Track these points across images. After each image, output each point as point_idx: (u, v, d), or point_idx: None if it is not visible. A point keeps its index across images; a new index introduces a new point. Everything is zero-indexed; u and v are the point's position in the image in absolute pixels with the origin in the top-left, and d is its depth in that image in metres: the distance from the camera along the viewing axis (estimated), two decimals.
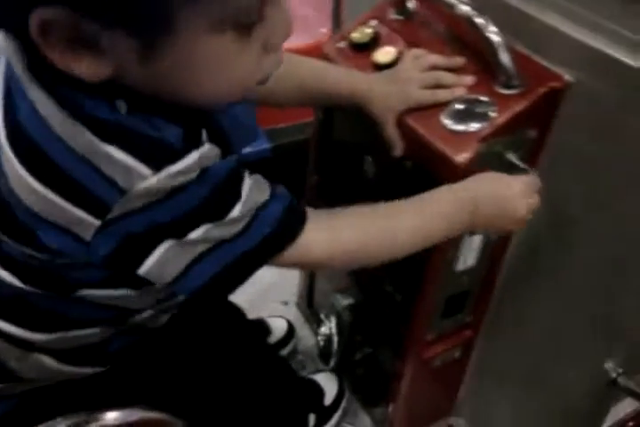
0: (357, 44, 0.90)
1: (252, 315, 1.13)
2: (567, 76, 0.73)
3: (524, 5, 0.75)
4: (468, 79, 0.78)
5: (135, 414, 0.67)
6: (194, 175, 0.55)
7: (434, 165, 0.76)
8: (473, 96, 0.77)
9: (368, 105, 0.81)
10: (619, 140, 0.70)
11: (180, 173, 0.54)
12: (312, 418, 1.14)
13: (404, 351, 0.99)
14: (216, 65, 0.53)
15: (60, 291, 0.65)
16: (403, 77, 0.80)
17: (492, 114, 0.74)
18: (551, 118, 0.76)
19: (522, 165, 0.75)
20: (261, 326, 1.30)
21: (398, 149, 0.81)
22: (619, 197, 0.73)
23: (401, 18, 0.91)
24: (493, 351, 1.03)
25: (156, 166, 0.53)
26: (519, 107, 0.73)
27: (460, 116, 0.76)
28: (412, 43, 0.86)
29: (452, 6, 0.76)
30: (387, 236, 0.69)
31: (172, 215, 0.55)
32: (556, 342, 0.89)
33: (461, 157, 0.73)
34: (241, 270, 0.61)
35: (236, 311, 1.07)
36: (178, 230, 0.57)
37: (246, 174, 0.61)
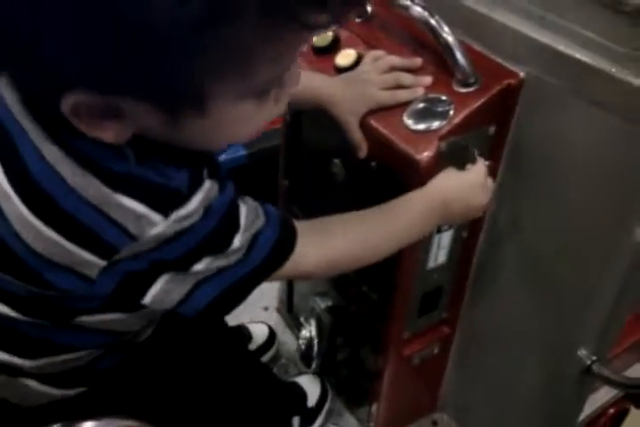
0: (319, 48, 0.91)
1: (232, 321, 1.14)
2: (522, 73, 0.75)
3: (475, 4, 0.77)
4: (427, 79, 0.79)
5: (113, 424, 0.67)
6: (198, 216, 0.56)
7: (397, 164, 0.78)
8: (433, 95, 0.78)
9: (331, 108, 0.82)
10: (570, 132, 0.72)
11: (186, 216, 0.55)
12: (296, 421, 1.15)
13: (383, 350, 1.00)
14: (235, 125, 0.55)
15: (56, 319, 0.65)
16: (363, 79, 0.81)
17: (452, 112, 0.76)
18: (509, 114, 0.78)
19: (482, 160, 0.76)
20: (242, 333, 1.30)
21: (363, 150, 0.82)
22: (571, 188, 0.76)
23: (360, 20, 0.93)
24: (471, 346, 1.04)
25: (166, 213, 0.54)
26: (476, 104, 0.75)
27: (421, 116, 0.77)
28: (371, 45, 0.87)
29: (406, 8, 0.77)
30: (369, 243, 0.73)
31: (176, 253, 0.57)
32: (530, 332, 0.90)
33: (423, 155, 0.74)
34: (241, 291, 0.64)
35: (217, 319, 1.07)
36: (180, 265, 0.58)
37: (241, 202, 0.62)
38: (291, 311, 1.32)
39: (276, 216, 0.65)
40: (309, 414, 1.17)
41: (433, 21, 0.75)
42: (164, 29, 0.41)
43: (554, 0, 0.70)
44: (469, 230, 0.89)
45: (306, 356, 1.17)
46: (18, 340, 0.67)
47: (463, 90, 0.77)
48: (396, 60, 0.82)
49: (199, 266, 0.59)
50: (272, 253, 0.64)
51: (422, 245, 0.85)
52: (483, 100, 0.75)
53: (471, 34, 0.78)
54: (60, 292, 0.59)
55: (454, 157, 0.76)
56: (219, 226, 0.59)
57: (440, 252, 0.89)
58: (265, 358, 1.30)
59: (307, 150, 1.04)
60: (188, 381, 0.87)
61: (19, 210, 0.54)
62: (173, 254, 0.57)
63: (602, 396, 1.02)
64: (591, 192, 0.74)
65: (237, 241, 0.60)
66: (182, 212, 0.55)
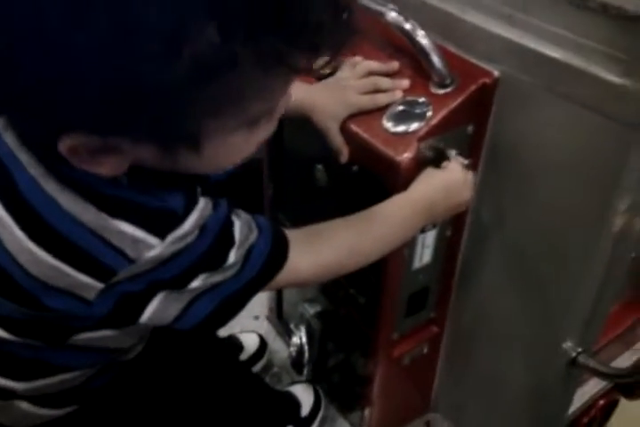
0: None
1: (224, 332, 1.14)
2: (496, 72, 0.77)
3: (447, 6, 0.79)
4: (405, 82, 0.81)
5: None
6: (194, 236, 0.57)
7: (379, 167, 0.79)
8: (411, 98, 0.80)
9: (312, 115, 0.83)
10: (546, 129, 0.74)
11: (183, 236, 0.56)
12: None
13: (372, 352, 1.01)
14: (228, 154, 0.56)
15: (50, 340, 0.65)
16: (342, 85, 0.83)
17: (430, 113, 0.77)
18: (486, 113, 0.79)
19: (460, 158, 0.78)
20: (234, 343, 1.30)
21: (344, 155, 0.83)
22: (548, 184, 0.77)
23: None
24: (460, 344, 1.05)
25: (162, 235, 0.55)
26: (453, 104, 0.77)
27: (400, 118, 0.79)
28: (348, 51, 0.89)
29: (381, 14, 0.79)
30: (357, 249, 0.75)
31: (172, 273, 0.58)
32: (515, 326, 0.92)
33: (403, 157, 0.76)
34: (236, 304, 0.65)
35: (211, 332, 1.07)
36: (177, 284, 0.59)
37: (234, 217, 0.63)
38: (281, 319, 1.33)
39: (269, 228, 0.67)
40: (303, 424, 1.17)
41: (408, 26, 0.77)
42: (158, 88, 0.41)
43: None
44: (453, 229, 0.91)
45: (297, 363, 1.17)
46: (11, 362, 0.66)
47: (440, 91, 0.78)
48: (373, 64, 0.84)
49: (195, 283, 0.60)
50: (266, 266, 0.65)
51: (407, 246, 0.86)
52: (459, 100, 0.77)
53: (445, 35, 0.80)
54: (56, 314, 0.59)
55: (434, 157, 0.78)
56: (214, 244, 0.60)
57: (425, 251, 0.90)
58: (257, 367, 1.30)
59: (289, 157, 1.05)
60: (181, 394, 0.88)
61: (16, 235, 0.55)
62: (170, 274, 0.58)
63: (591, 388, 1.03)
64: (568, 188, 0.76)
65: (232, 256, 0.61)
66: (178, 232, 0.56)
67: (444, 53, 0.78)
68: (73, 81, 0.41)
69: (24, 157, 0.54)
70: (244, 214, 0.65)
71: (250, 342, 1.32)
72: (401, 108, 0.80)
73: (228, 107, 0.48)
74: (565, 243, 0.79)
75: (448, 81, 0.78)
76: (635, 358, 1.05)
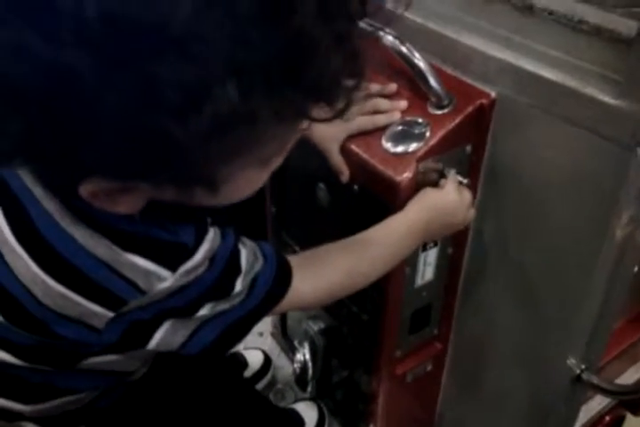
0: None
1: None
2: (493, 93, 0.77)
3: (443, 29, 0.80)
4: (403, 103, 0.82)
5: None
6: (204, 268, 0.59)
7: (378, 186, 0.80)
8: (409, 118, 0.81)
9: (313, 136, 0.84)
10: (543, 149, 0.75)
11: (193, 268, 0.57)
12: None
13: (376, 369, 1.01)
14: (242, 188, 0.56)
15: (59, 365, 0.65)
16: None
17: (428, 133, 0.78)
18: (484, 133, 0.80)
19: (460, 178, 0.79)
20: (238, 360, 1.31)
21: (345, 175, 0.84)
22: (548, 202, 0.78)
23: None
24: (464, 360, 1.05)
25: (174, 268, 0.56)
26: (451, 124, 0.77)
27: (400, 139, 0.80)
28: None
29: (379, 38, 0.80)
30: (357, 271, 0.76)
31: (181, 303, 0.59)
32: (519, 343, 0.92)
33: (402, 177, 0.76)
34: (242, 329, 0.66)
35: (218, 355, 1.08)
36: (185, 313, 0.60)
37: (240, 245, 0.64)
38: (285, 335, 1.33)
39: (273, 255, 0.68)
40: None
41: (404, 49, 0.78)
42: (179, 141, 0.42)
43: (516, 21, 0.73)
44: (454, 246, 0.91)
45: (301, 379, 1.18)
46: (19, 386, 0.67)
47: (438, 112, 0.79)
48: (372, 87, 0.85)
49: (202, 311, 0.61)
50: (270, 293, 0.66)
51: (409, 263, 0.87)
52: (457, 120, 0.78)
53: (442, 57, 0.81)
54: (66, 341, 0.60)
55: (433, 177, 0.79)
56: (222, 274, 0.61)
57: (427, 269, 0.91)
58: (261, 384, 1.31)
59: (292, 177, 1.06)
60: (185, 412, 0.88)
61: (29, 267, 0.56)
62: (179, 304, 0.59)
63: (597, 404, 1.03)
64: (567, 206, 0.76)
65: (239, 285, 0.63)
66: (189, 264, 0.57)
67: (441, 75, 0.79)
68: (101, 135, 0.42)
69: (38, 191, 0.55)
70: (249, 242, 0.67)
71: (254, 359, 1.33)
72: (400, 128, 0.81)
73: (245, 153, 0.48)
74: (566, 260, 0.80)
75: (446, 102, 0.79)
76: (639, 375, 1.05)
